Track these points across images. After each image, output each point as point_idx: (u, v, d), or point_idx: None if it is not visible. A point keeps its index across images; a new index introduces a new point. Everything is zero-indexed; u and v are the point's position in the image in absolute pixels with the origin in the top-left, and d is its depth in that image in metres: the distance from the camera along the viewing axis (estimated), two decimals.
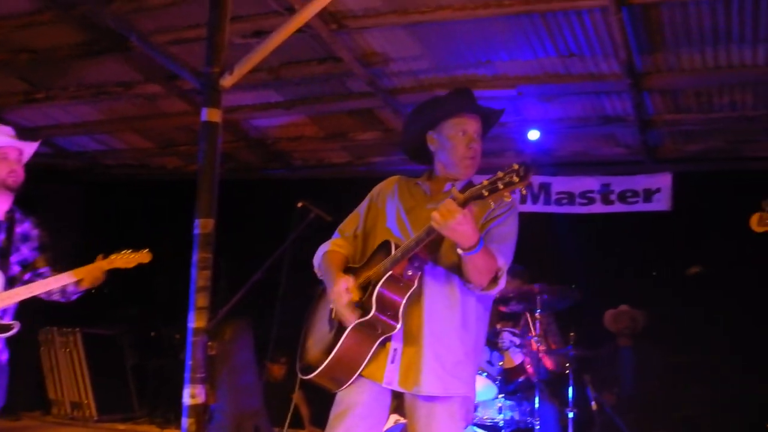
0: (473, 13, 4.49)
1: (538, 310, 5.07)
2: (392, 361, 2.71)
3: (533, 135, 6.05)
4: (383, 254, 2.75)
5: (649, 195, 6.24)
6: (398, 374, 2.71)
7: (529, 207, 6.43)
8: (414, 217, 2.84)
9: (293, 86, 5.77)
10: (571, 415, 4.94)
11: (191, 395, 2.79)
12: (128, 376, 7.54)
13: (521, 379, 4.96)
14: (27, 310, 3.57)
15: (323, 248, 3.01)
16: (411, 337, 2.72)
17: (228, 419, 5.96)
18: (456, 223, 2.43)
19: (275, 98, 6.05)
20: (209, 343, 2.83)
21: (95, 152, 7.71)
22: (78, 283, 3.60)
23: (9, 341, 3.47)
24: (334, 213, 3.28)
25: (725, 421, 5.75)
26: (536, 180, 6.44)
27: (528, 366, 4.96)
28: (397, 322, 2.66)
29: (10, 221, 3.57)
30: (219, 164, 3.11)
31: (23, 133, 3.72)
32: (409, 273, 2.68)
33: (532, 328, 5.14)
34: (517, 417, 4.85)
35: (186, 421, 2.82)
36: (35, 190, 3.83)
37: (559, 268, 6.27)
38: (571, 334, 5.12)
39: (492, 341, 4.92)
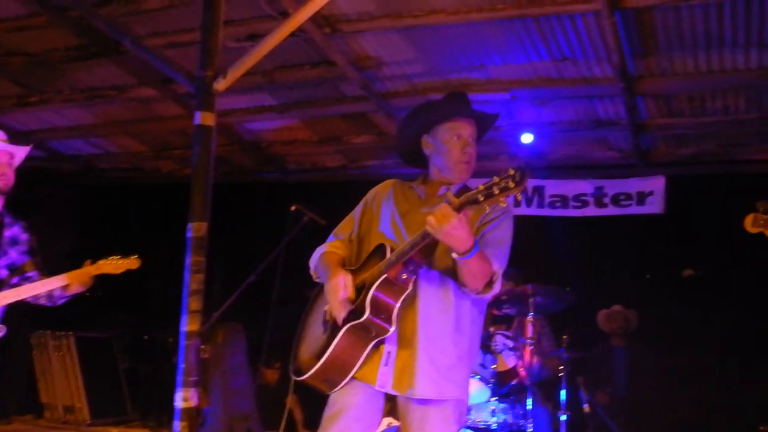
0: (467, 17, 4.50)
1: (532, 313, 5.08)
2: (386, 364, 2.72)
3: (527, 138, 6.06)
4: (378, 258, 2.75)
5: (642, 198, 6.26)
6: (392, 377, 2.71)
7: (522, 210, 6.44)
8: (409, 221, 2.84)
9: (287, 90, 5.77)
10: (563, 417, 4.95)
11: (184, 398, 2.78)
12: (121, 380, 7.52)
13: (514, 382, 4.96)
14: (18, 313, 3.57)
15: (320, 250, 3.02)
16: (405, 340, 2.72)
17: (220, 422, 5.97)
18: (451, 228, 2.44)
19: (269, 102, 6.05)
20: (202, 347, 2.83)
21: (89, 156, 7.70)
22: (65, 287, 3.60)
23: None
24: (328, 216, 3.29)
25: (720, 423, 5.77)
26: (530, 183, 6.44)
27: (521, 369, 4.96)
28: (391, 325, 2.67)
29: (0, 225, 3.57)
30: (213, 168, 3.11)
31: (17, 136, 3.72)
32: (404, 276, 2.69)
33: (525, 331, 5.14)
34: (509, 420, 4.85)
35: (178, 425, 2.81)
36: (29, 194, 3.84)
37: (552, 270, 6.27)
38: (564, 336, 5.12)
39: (485, 344, 4.92)
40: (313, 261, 3.01)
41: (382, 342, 2.71)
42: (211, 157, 3.09)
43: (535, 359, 5.08)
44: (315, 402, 2.94)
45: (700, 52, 4.77)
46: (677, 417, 5.81)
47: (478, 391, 4.81)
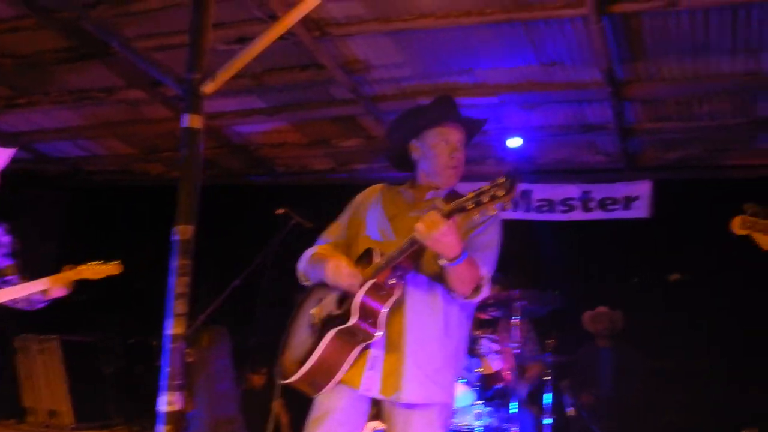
0: (455, 21, 4.51)
1: (517, 317, 5.10)
2: (371, 368, 2.72)
3: (514, 143, 6.08)
4: (366, 262, 2.76)
5: (628, 202, 6.28)
6: (378, 381, 2.72)
7: (509, 214, 6.45)
8: (397, 225, 2.85)
9: (276, 93, 5.77)
10: (548, 421, 4.96)
11: (168, 402, 2.77)
12: (106, 384, 7.48)
13: (499, 385, 4.98)
14: (1, 316, 3.55)
15: (308, 252, 3.02)
16: (392, 345, 2.73)
17: (205, 426, 5.95)
18: (440, 235, 2.45)
19: (258, 105, 6.05)
20: (187, 350, 2.82)
21: (77, 158, 7.66)
22: (44, 292, 3.58)
23: None
24: (317, 219, 3.28)
25: (706, 425, 5.80)
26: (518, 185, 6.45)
27: (506, 372, 4.98)
28: (379, 329, 2.67)
29: None
30: (201, 170, 3.10)
31: (3, 138, 3.70)
32: (392, 281, 2.70)
33: (510, 335, 5.16)
34: (494, 423, 4.87)
35: (162, 428, 2.80)
36: (16, 196, 3.82)
37: (539, 274, 6.30)
38: (550, 341, 5.14)
39: (470, 347, 4.94)
40: (302, 263, 3.00)
41: (368, 346, 2.71)
42: (199, 160, 3.08)
43: (521, 362, 5.10)
44: (301, 406, 2.94)
45: (687, 58, 4.80)
46: (663, 420, 5.83)
47: (463, 394, 4.82)
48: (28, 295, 3.57)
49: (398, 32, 4.71)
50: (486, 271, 2.75)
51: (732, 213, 2.95)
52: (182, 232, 2.91)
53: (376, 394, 2.73)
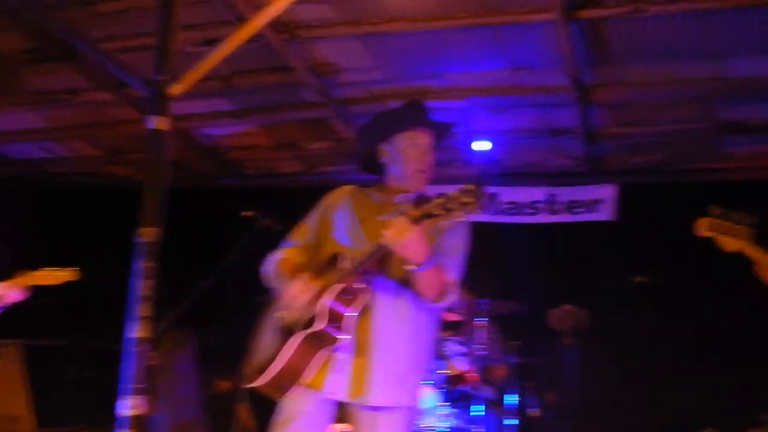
0: (425, 25, 4.53)
1: (483, 319, 5.12)
2: (338, 372, 2.72)
3: (481, 146, 6.12)
4: (334, 266, 2.76)
5: (593, 205, 6.35)
6: (344, 384, 2.72)
7: (477, 216, 6.47)
8: (365, 228, 2.85)
9: (245, 95, 5.74)
10: (512, 422, 5.00)
11: (131, 406, 2.74)
12: (69, 388, 7.37)
13: (464, 387, 5.00)
14: None
15: (274, 256, 3.00)
16: (359, 349, 2.73)
17: (167, 430, 5.89)
18: (408, 241, 2.46)
19: (227, 107, 6.01)
20: (150, 354, 2.79)
21: (41, 160, 7.54)
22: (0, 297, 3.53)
23: None
24: (286, 222, 3.27)
25: (670, 426, 5.87)
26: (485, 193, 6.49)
27: (471, 374, 5.00)
28: (346, 333, 2.67)
29: None
30: (167, 173, 3.08)
31: None
32: (359, 286, 2.70)
33: (475, 337, 5.19)
34: (459, 425, 4.89)
35: None
36: None
37: (505, 276, 6.33)
38: (514, 342, 5.18)
39: (436, 349, 4.95)
40: (267, 267, 2.99)
41: (335, 350, 2.71)
42: (166, 162, 3.06)
43: (486, 364, 5.13)
44: (266, 410, 2.93)
45: (653, 63, 4.87)
46: (627, 419, 5.89)
47: (428, 396, 4.84)
48: None
49: (368, 35, 4.71)
50: (453, 277, 2.77)
51: (696, 216, 2.99)
52: (147, 234, 2.88)
53: (342, 397, 2.73)
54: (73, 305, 7.26)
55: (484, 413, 4.89)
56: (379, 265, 2.73)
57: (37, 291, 3.69)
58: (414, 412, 2.87)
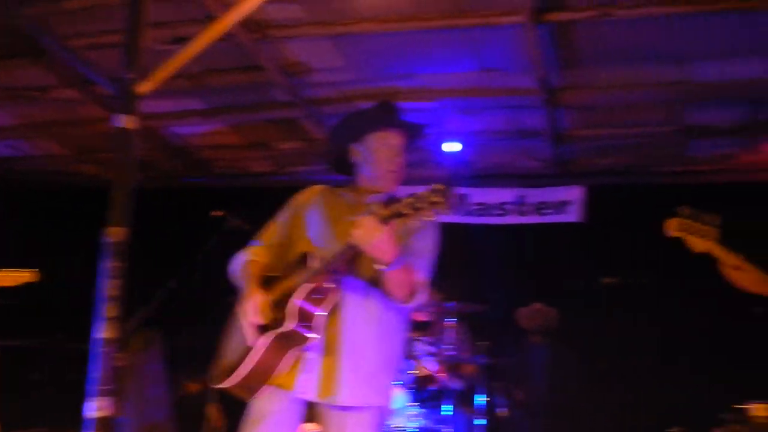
0: (395, 26, 4.55)
1: (451, 319, 5.15)
2: (308, 371, 2.72)
3: (451, 147, 6.15)
4: (303, 265, 2.76)
5: (561, 207, 6.41)
6: (314, 384, 2.72)
7: (446, 217, 6.50)
8: (336, 228, 2.86)
9: (215, 94, 5.71)
10: (481, 422, 5.03)
11: (98, 408, 2.73)
12: (35, 390, 7.28)
13: (433, 387, 5.03)
14: None
15: (241, 256, 3.00)
16: (328, 348, 2.73)
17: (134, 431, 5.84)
18: (376, 240, 2.47)
19: (197, 106, 5.98)
20: (118, 354, 2.77)
21: (9, 158, 7.44)
22: None
23: None
24: (256, 221, 3.26)
25: (636, 426, 5.94)
26: (455, 193, 6.53)
27: (440, 374, 5.03)
28: (315, 333, 2.68)
29: None
30: (135, 172, 3.06)
31: None
32: (329, 285, 2.70)
33: (444, 337, 5.21)
34: (428, 425, 4.92)
35: None
36: None
37: (474, 277, 6.37)
38: (483, 342, 5.22)
39: (405, 349, 4.98)
40: (234, 267, 2.99)
41: (304, 350, 2.71)
42: (134, 161, 3.04)
43: (455, 364, 5.16)
44: (236, 411, 2.93)
45: (620, 67, 4.93)
46: (594, 418, 5.96)
47: (397, 396, 4.86)
48: None
49: (339, 36, 4.72)
50: (423, 277, 2.78)
51: (662, 218, 3.04)
52: (115, 234, 2.86)
53: (312, 397, 2.74)
54: (39, 305, 7.18)
55: (452, 413, 4.92)
56: (349, 265, 2.74)
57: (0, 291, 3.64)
58: (384, 413, 2.88)
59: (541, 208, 6.48)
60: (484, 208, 6.61)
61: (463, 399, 5.30)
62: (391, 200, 2.67)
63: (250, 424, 2.77)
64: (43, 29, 4.50)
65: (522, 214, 6.53)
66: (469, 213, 6.62)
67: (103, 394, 2.74)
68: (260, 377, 2.71)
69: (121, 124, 3.01)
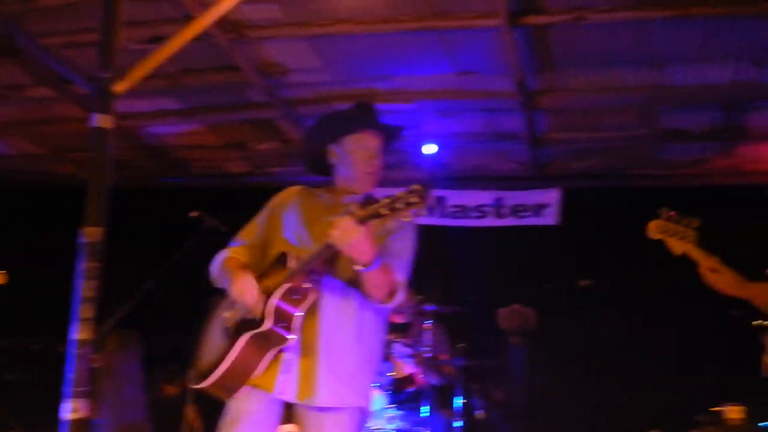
0: (372, 28, 4.55)
1: (429, 321, 5.17)
2: (285, 372, 2.72)
3: (429, 149, 6.16)
4: (281, 266, 2.76)
5: (538, 209, 6.45)
6: (292, 385, 2.72)
7: (424, 219, 6.52)
8: (313, 229, 2.86)
9: (192, 94, 5.68)
10: (458, 424, 5.05)
11: (73, 409, 2.71)
12: (11, 391, 7.19)
13: (411, 389, 5.04)
14: None
15: (221, 255, 2.99)
16: (306, 349, 2.73)
17: None
18: (354, 241, 2.47)
19: (173, 106, 5.94)
20: (94, 356, 2.76)
21: None
22: None
23: None
24: (233, 222, 3.26)
25: (613, 427, 5.99)
26: (432, 193, 6.56)
27: (418, 376, 5.04)
28: (293, 333, 2.68)
29: None
30: (111, 171, 3.04)
31: None
32: (306, 286, 2.70)
33: (422, 339, 5.23)
34: (406, 427, 4.92)
35: None
36: None
37: (452, 279, 6.39)
38: (461, 345, 5.23)
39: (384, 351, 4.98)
40: (214, 266, 2.98)
41: (282, 350, 2.71)
42: (109, 161, 3.02)
43: (432, 366, 5.17)
44: (214, 411, 2.92)
45: (595, 70, 4.97)
46: (572, 419, 6.00)
47: (375, 398, 4.86)
48: None
49: (316, 37, 4.71)
50: (401, 277, 2.79)
51: (638, 221, 3.06)
52: (90, 234, 2.84)
53: (290, 398, 2.73)
54: (13, 306, 7.09)
55: (430, 415, 4.93)
56: (327, 265, 2.74)
57: None
58: (363, 414, 2.88)
59: (518, 210, 6.51)
60: (462, 211, 6.63)
61: (441, 401, 5.32)
62: (369, 201, 2.68)
63: (227, 425, 2.76)
64: (18, 27, 4.45)
65: (500, 216, 6.55)
66: (447, 215, 6.64)
67: (79, 395, 2.72)
68: (238, 377, 2.70)
69: (97, 124, 3.00)
